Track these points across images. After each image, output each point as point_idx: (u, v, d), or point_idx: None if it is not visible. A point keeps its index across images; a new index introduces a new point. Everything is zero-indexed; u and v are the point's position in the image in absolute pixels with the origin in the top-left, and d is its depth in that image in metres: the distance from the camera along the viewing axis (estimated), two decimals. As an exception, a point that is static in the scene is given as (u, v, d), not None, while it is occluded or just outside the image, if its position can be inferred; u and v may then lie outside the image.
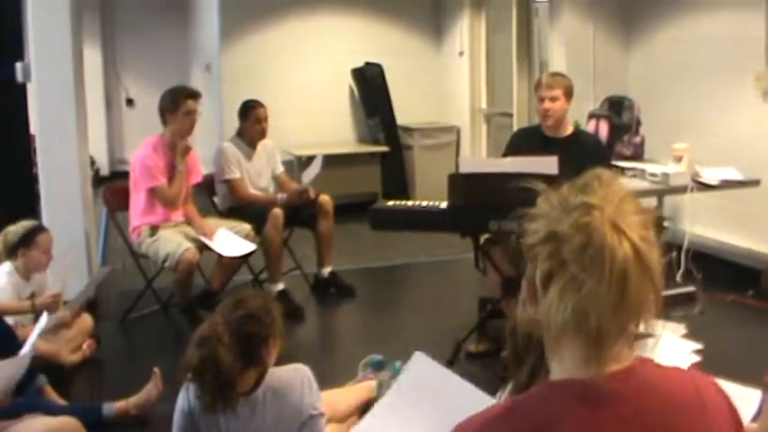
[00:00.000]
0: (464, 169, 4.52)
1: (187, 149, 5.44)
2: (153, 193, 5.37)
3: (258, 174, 6.05)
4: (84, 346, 4.76)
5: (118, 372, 4.89)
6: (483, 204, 4.36)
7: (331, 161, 8.39)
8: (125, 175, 10.60)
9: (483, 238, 4.76)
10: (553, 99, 4.79)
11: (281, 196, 5.95)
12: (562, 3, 7.32)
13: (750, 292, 5.74)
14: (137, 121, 11.87)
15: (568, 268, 1.20)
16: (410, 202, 4.75)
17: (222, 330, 2.74)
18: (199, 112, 5.50)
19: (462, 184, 4.45)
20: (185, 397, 2.89)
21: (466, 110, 9.08)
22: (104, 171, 11.48)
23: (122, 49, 11.85)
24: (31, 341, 3.71)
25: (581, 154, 4.63)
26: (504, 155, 5.10)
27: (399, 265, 7.15)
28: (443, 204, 4.60)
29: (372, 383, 3.99)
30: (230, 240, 5.46)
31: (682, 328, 4.92)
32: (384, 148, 8.98)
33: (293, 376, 2.96)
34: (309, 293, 6.18)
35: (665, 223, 4.49)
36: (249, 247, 5.45)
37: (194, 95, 5.48)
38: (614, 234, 1.20)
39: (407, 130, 9.15)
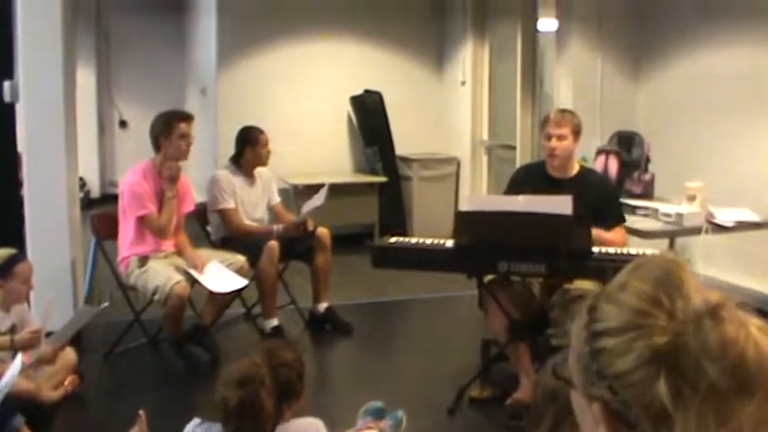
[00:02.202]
0: (472, 207, 4.30)
1: (176, 174, 5.19)
2: (142, 221, 5.13)
3: (254, 205, 5.82)
4: (67, 382, 4.49)
5: (101, 411, 4.63)
6: (492, 244, 4.15)
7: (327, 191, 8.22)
8: (116, 197, 10.50)
9: (487, 278, 4.53)
10: (560, 138, 4.56)
11: (277, 227, 5.73)
12: (569, 34, 7.15)
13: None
14: (130, 144, 11.67)
15: (703, 391, 0.95)
16: (413, 240, 4.51)
17: (264, 373, 2.56)
18: (192, 136, 5.27)
19: (470, 222, 4.23)
20: None
21: (467, 141, 8.87)
22: (95, 193, 11.27)
23: (117, 71, 11.68)
24: (5, 383, 3.46)
25: (589, 195, 4.43)
26: (507, 192, 4.87)
27: (397, 301, 6.92)
28: (449, 243, 4.38)
29: (372, 433, 3.76)
30: (221, 274, 5.22)
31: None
32: (382, 179, 8.77)
33: (306, 429, 2.76)
34: (304, 329, 5.94)
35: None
36: (241, 282, 5.22)
37: (188, 118, 5.29)
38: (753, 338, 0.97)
39: (406, 160, 8.94)
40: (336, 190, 8.42)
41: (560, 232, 4.06)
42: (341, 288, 6.50)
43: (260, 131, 5.87)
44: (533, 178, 4.69)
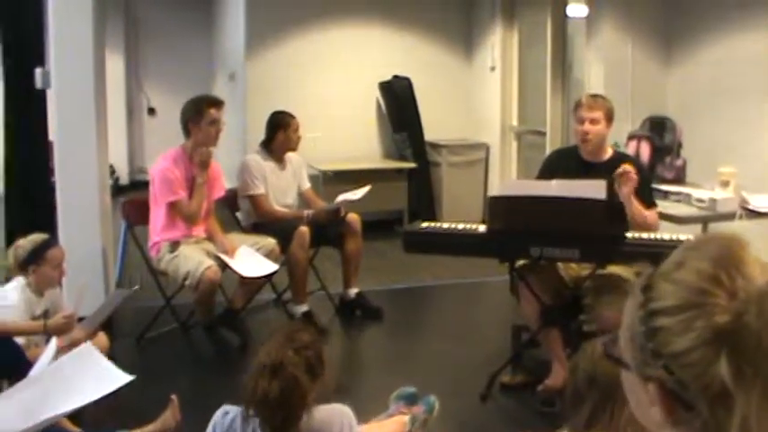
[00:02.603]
0: (506, 191, 4.27)
1: (206, 160, 5.19)
2: (172, 207, 5.13)
3: (284, 191, 5.82)
4: (99, 367, 4.51)
5: (134, 396, 4.59)
6: (525, 229, 4.12)
7: (356, 177, 8.20)
8: (145, 184, 10.42)
9: (519, 262, 4.50)
10: (593, 122, 4.51)
11: (308, 212, 5.72)
12: (600, 19, 7.08)
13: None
14: (158, 131, 11.72)
15: (765, 372, 0.93)
16: (445, 225, 4.48)
17: (293, 355, 2.52)
18: (223, 122, 5.26)
19: (503, 207, 4.19)
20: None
21: (496, 127, 8.82)
22: (124, 180, 11.33)
23: (145, 58, 11.72)
24: (41, 368, 3.48)
25: None
26: (539, 177, 4.84)
27: (427, 286, 6.90)
28: (481, 228, 4.35)
29: (405, 418, 3.74)
30: (252, 259, 5.21)
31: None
32: (411, 165, 8.74)
33: (334, 418, 2.72)
34: (334, 315, 5.94)
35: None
36: (271, 267, 5.21)
37: (218, 104, 5.25)
38: None
39: (435, 146, 8.91)
40: (365, 176, 8.41)
41: (594, 217, 4.02)
42: (370, 273, 6.50)
43: (291, 116, 5.87)
44: (566, 162, 4.65)
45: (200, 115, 5.13)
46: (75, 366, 3.20)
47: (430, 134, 8.87)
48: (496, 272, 6.71)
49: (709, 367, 0.95)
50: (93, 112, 5.34)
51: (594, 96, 4.64)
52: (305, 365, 2.54)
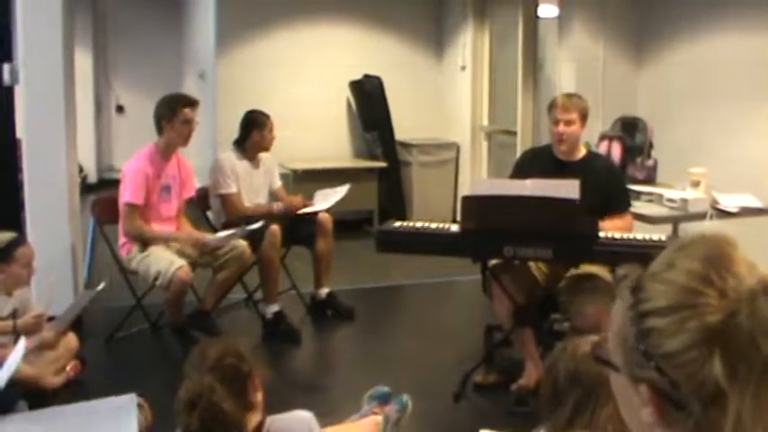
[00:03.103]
0: (479, 191, 4.26)
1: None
2: (125, 208, 5.06)
3: (256, 190, 5.79)
4: (68, 367, 4.44)
5: (103, 396, 4.58)
6: (498, 228, 4.12)
7: (327, 176, 8.19)
8: (113, 183, 10.44)
9: (491, 262, 4.50)
10: (568, 122, 4.52)
11: (277, 205, 5.69)
12: (571, 19, 7.10)
13: None
14: (127, 128, 11.64)
15: (759, 370, 0.93)
16: (418, 224, 4.47)
17: (209, 380, 2.47)
18: (197, 122, 5.22)
19: (477, 207, 4.19)
20: None
21: (467, 126, 8.82)
22: (92, 179, 11.22)
23: (114, 55, 11.62)
24: (9, 368, 3.43)
25: (596, 179, 4.39)
26: (513, 176, 4.84)
27: (398, 286, 6.90)
28: (454, 227, 4.35)
29: (378, 418, 3.72)
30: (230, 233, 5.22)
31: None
32: (382, 164, 8.72)
33: (294, 425, 2.70)
34: (305, 315, 5.91)
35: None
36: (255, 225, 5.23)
37: (192, 103, 5.20)
38: None
39: (406, 145, 8.90)
40: (336, 175, 8.42)
41: (568, 216, 4.03)
42: (341, 273, 6.46)
43: (266, 116, 5.84)
44: (540, 161, 4.66)
45: (173, 114, 5.08)
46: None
47: (400, 133, 8.85)
48: (467, 271, 6.72)
49: (702, 367, 0.95)
50: (63, 109, 5.27)
51: (569, 96, 4.64)
52: (222, 384, 2.48)
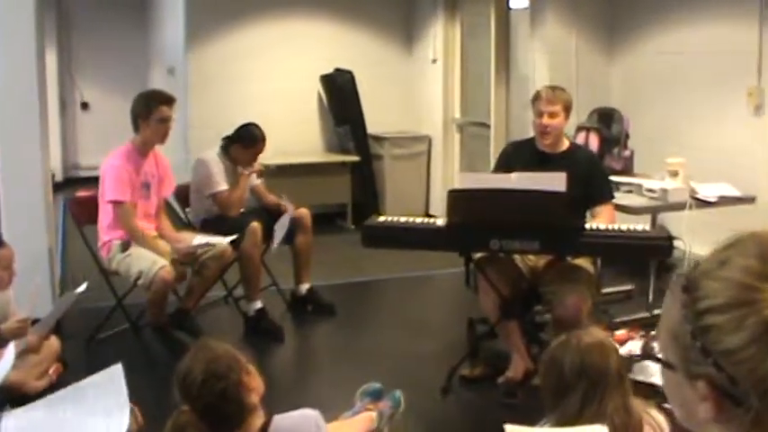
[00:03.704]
0: (465, 184, 4.26)
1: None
2: (115, 207, 4.99)
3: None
4: (51, 370, 4.40)
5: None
6: (484, 222, 4.12)
7: (299, 171, 8.16)
8: (79, 181, 10.34)
9: (477, 255, 4.51)
10: (552, 115, 4.53)
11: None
12: (544, 10, 7.12)
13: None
14: (92, 126, 11.50)
15: None
16: (402, 219, 4.46)
17: (186, 416, 2.49)
18: (174, 119, 5.16)
19: (463, 201, 4.19)
20: None
21: (439, 119, 8.82)
22: (58, 177, 11.03)
23: (78, 51, 11.45)
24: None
25: (579, 170, 4.41)
26: (496, 169, 4.86)
27: (376, 280, 6.88)
28: (440, 221, 4.35)
29: (372, 414, 3.71)
30: (205, 239, 5.17)
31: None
32: (354, 158, 8.70)
33: (301, 424, 2.68)
34: (285, 311, 5.88)
35: (675, 243, 4.27)
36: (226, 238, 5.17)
37: (169, 101, 5.12)
38: None
39: (378, 139, 8.88)
40: (308, 170, 8.41)
41: (554, 209, 4.04)
42: (317, 268, 6.38)
43: (257, 139, 5.73)
44: (523, 154, 4.67)
45: (149, 112, 5.01)
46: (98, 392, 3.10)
47: (372, 127, 8.83)
48: (445, 265, 6.76)
49: (762, 363, 0.95)
50: (37, 109, 5.19)
51: (553, 89, 4.65)
52: (208, 408, 2.48)
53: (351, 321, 5.84)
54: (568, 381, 2.55)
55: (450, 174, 8.84)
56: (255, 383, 2.57)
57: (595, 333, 2.78)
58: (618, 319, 5.36)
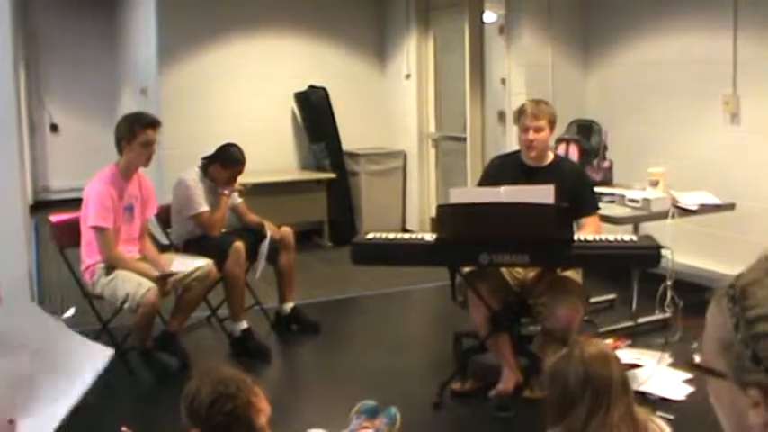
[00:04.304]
0: (454, 199, 4.25)
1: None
2: (97, 232, 4.93)
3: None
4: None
5: (74, 426, 4.45)
6: (474, 236, 4.13)
7: (274, 189, 8.12)
8: (50, 204, 10.22)
9: (465, 269, 4.51)
10: (538, 130, 4.56)
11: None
12: (519, 23, 7.16)
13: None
14: (62, 148, 11.40)
15: None
16: (391, 235, 4.45)
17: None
18: (158, 142, 5.10)
19: (452, 215, 4.19)
20: None
21: (413, 134, 8.84)
22: (28, 200, 10.90)
23: (46, 73, 11.36)
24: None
25: (565, 183, 4.44)
26: (481, 184, 4.88)
27: (357, 297, 6.85)
28: (428, 237, 4.34)
29: (370, 432, 3.70)
30: (185, 262, 5.12)
31: (667, 357, 4.78)
32: (330, 175, 8.68)
33: None
34: (269, 330, 5.84)
35: (663, 252, 4.29)
36: (204, 260, 5.13)
37: (154, 125, 5.02)
38: None
39: (353, 155, 8.87)
40: (283, 188, 8.38)
41: (543, 221, 4.06)
42: (296, 286, 6.37)
43: (237, 161, 5.71)
44: (509, 168, 4.69)
45: (133, 135, 4.94)
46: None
47: (347, 143, 8.83)
48: (423, 280, 6.77)
49: None
50: (15, 132, 5.13)
51: (538, 103, 4.67)
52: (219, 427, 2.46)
53: (336, 339, 5.81)
54: (573, 393, 2.55)
55: (425, 189, 8.86)
56: (263, 405, 2.54)
57: (597, 343, 2.78)
58: (603, 329, 5.38)
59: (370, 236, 4.49)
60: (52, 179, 11.49)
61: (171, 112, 8.21)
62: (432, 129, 8.85)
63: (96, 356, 3.27)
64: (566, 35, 7.21)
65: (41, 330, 3.25)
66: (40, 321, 3.32)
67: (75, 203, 5.33)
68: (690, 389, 4.45)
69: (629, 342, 5.25)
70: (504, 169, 4.71)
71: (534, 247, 4.08)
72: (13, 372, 2.99)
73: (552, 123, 4.60)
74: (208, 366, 2.64)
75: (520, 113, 4.62)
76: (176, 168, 6.53)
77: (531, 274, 4.53)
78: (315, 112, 8.70)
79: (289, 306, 5.82)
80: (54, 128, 11.49)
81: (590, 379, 2.54)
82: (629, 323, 5.60)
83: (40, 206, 10.43)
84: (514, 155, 4.79)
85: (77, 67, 11.20)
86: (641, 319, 5.63)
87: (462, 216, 4.16)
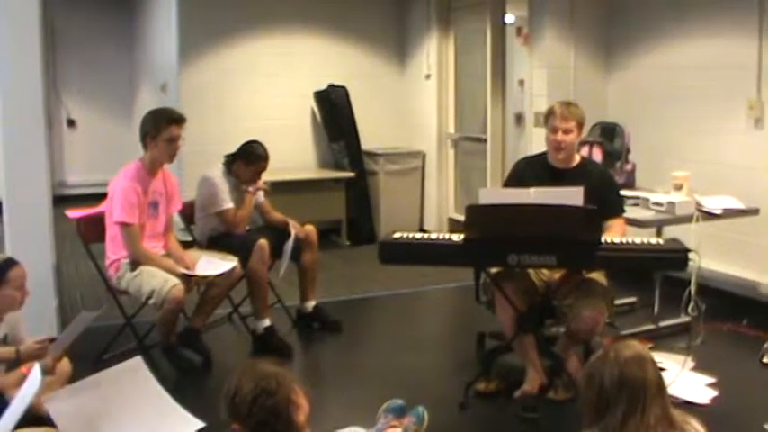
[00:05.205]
0: (484, 200, 4.25)
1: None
2: (122, 227, 4.94)
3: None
4: (62, 392, 4.32)
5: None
6: (502, 237, 4.12)
7: (293, 187, 8.13)
8: (67, 199, 10.24)
9: (492, 270, 4.51)
10: (567, 131, 4.56)
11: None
12: (542, 25, 7.15)
13: (744, 321, 5.67)
14: (79, 143, 11.43)
15: None
16: (419, 235, 4.45)
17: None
18: (183, 138, 5.10)
19: (481, 216, 4.18)
20: None
21: (433, 134, 8.85)
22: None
23: (63, 68, 11.39)
24: (24, 401, 3.31)
25: (592, 185, 4.43)
26: (506, 184, 4.88)
27: (377, 296, 6.86)
28: (455, 237, 4.34)
29: (398, 431, 3.70)
30: (212, 263, 5.12)
31: (690, 361, 4.77)
32: (349, 174, 8.70)
33: None
34: (291, 328, 5.85)
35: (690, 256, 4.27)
36: (230, 264, 5.12)
37: (179, 121, 5.01)
38: None
39: (372, 155, 8.89)
40: (302, 186, 8.38)
41: (573, 223, 4.05)
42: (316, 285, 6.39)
43: (260, 157, 5.74)
44: (536, 170, 4.69)
45: (158, 131, 4.94)
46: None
47: (366, 143, 8.85)
48: (443, 280, 6.77)
49: None
50: (42, 128, 5.15)
51: (567, 105, 4.66)
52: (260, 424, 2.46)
53: (357, 338, 5.81)
54: (609, 394, 2.55)
55: (444, 189, 8.87)
56: (302, 401, 2.55)
57: (632, 345, 2.78)
58: (625, 332, 5.37)
59: (396, 235, 4.47)
60: (69, 174, 11.53)
61: (190, 108, 8.15)
62: (451, 129, 8.85)
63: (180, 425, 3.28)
64: (588, 37, 7.20)
65: (141, 388, 3.26)
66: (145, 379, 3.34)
67: (92, 198, 5.35)
68: (714, 393, 4.44)
69: (651, 345, 5.23)
70: (531, 171, 4.71)
71: (562, 248, 4.07)
72: (98, 411, 3.03)
73: (581, 126, 4.60)
74: (248, 362, 2.64)
75: (549, 115, 4.62)
76: (195, 165, 6.55)
77: (557, 275, 4.53)
78: (334, 110, 8.71)
79: (311, 304, 5.82)
80: (71, 123, 11.52)
81: (625, 380, 2.53)
82: (651, 326, 5.59)
83: (57, 201, 10.42)
84: (541, 156, 4.79)
85: (95, 62, 11.24)
86: (663, 323, 5.62)
87: (492, 217, 4.15)
